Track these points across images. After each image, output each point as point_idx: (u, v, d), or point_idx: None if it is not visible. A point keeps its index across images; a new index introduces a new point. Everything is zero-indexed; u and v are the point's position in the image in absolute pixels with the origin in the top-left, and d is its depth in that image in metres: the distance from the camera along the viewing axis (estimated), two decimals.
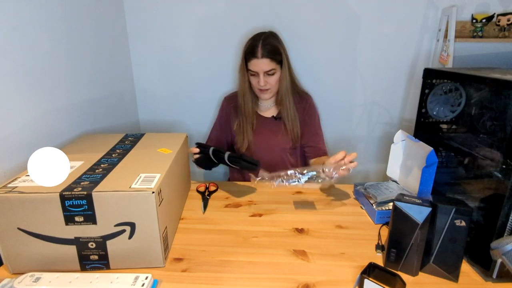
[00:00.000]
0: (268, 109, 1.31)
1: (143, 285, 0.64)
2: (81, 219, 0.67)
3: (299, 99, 1.29)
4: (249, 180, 1.27)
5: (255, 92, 1.24)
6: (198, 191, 1.09)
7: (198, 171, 1.65)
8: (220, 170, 1.67)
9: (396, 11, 1.40)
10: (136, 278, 0.65)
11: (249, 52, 1.16)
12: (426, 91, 0.96)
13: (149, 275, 0.66)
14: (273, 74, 1.18)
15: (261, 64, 1.15)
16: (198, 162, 1.08)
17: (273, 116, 1.29)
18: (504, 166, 0.69)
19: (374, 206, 0.94)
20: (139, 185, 0.69)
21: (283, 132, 1.27)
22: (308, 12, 1.41)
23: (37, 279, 0.64)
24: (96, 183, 0.70)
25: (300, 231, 0.88)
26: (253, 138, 1.27)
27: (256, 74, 1.18)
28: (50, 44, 0.99)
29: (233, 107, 1.31)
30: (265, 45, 1.15)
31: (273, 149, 1.28)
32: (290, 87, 1.24)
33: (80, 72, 1.14)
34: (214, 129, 1.38)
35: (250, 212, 0.97)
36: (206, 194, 1.07)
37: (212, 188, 1.11)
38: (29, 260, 0.70)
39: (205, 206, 1.00)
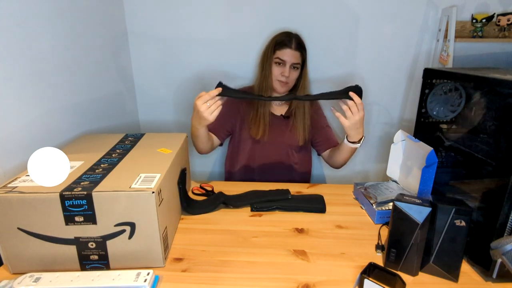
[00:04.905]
0: (277, 107, 1.32)
1: (145, 280, 0.64)
2: (81, 219, 0.67)
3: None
4: (247, 180, 1.28)
5: (273, 84, 1.25)
6: (196, 194, 1.09)
7: (198, 171, 1.65)
8: (219, 170, 1.67)
9: (396, 11, 1.40)
10: (138, 274, 0.65)
11: (282, 42, 1.20)
12: (426, 91, 0.96)
13: (151, 271, 0.67)
14: (296, 69, 1.23)
15: (292, 55, 1.20)
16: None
17: (282, 114, 1.30)
18: (503, 166, 0.69)
19: (374, 206, 0.94)
20: (139, 185, 0.69)
21: (291, 130, 1.28)
22: (307, 12, 1.41)
23: (37, 279, 0.64)
24: (96, 183, 0.70)
25: (300, 231, 0.88)
26: (268, 128, 1.27)
27: (283, 64, 1.20)
28: (50, 44, 0.99)
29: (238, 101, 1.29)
30: (298, 40, 1.22)
31: (280, 147, 1.30)
32: (309, 87, 1.29)
33: (80, 72, 1.14)
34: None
35: (250, 212, 0.97)
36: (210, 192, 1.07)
37: (208, 189, 1.10)
38: (29, 260, 0.70)
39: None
